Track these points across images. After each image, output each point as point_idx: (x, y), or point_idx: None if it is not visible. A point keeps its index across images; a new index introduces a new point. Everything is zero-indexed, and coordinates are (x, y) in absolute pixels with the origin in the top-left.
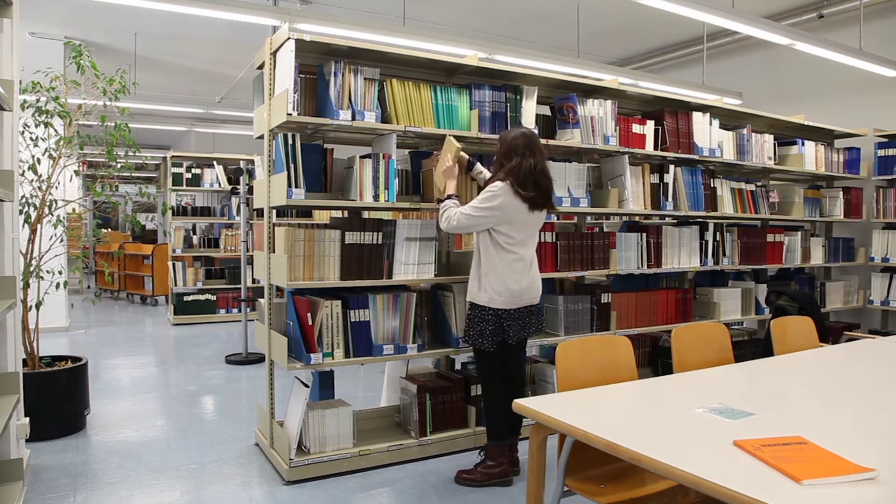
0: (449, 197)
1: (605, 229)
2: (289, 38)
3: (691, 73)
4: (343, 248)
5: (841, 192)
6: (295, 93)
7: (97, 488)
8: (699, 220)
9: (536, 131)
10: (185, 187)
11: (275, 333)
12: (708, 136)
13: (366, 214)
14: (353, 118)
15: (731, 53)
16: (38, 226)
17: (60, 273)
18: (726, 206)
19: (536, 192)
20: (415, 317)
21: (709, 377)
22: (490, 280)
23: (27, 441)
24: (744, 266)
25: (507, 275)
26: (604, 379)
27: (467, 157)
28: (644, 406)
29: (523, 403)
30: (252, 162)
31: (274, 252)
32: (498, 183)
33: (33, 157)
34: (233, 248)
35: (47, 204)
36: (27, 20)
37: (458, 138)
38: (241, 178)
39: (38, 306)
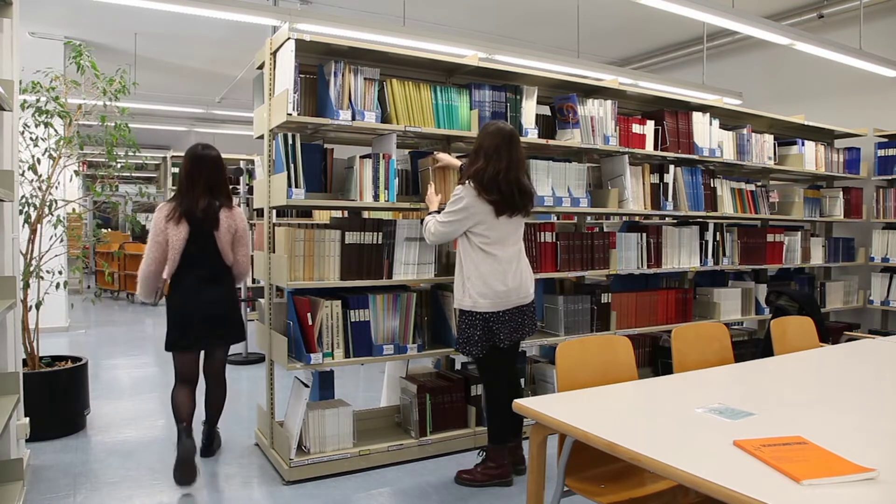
0: (429, 213)
1: (605, 229)
2: (289, 38)
3: (691, 73)
4: (343, 248)
5: (841, 192)
6: (295, 93)
7: (97, 488)
8: (699, 220)
9: (536, 131)
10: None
11: (275, 333)
12: (708, 136)
13: (366, 214)
14: (353, 118)
15: (731, 53)
16: (38, 226)
17: (60, 273)
18: (726, 206)
19: (499, 196)
20: (415, 317)
21: (709, 377)
22: (473, 283)
23: (27, 441)
24: (744, 266)
25: (489, 276)
26: (604, 379)
27: (459, 163)
28: (644, 406)
29: (523, 403)
30: (252, 162)
31: (274, 252)
32: (459, 187)
33: (33, 157)
34: None
35: (47, 204)
36: (27, 20)
37: (458, 138)
38: (241, 178)
39: (38, 306)
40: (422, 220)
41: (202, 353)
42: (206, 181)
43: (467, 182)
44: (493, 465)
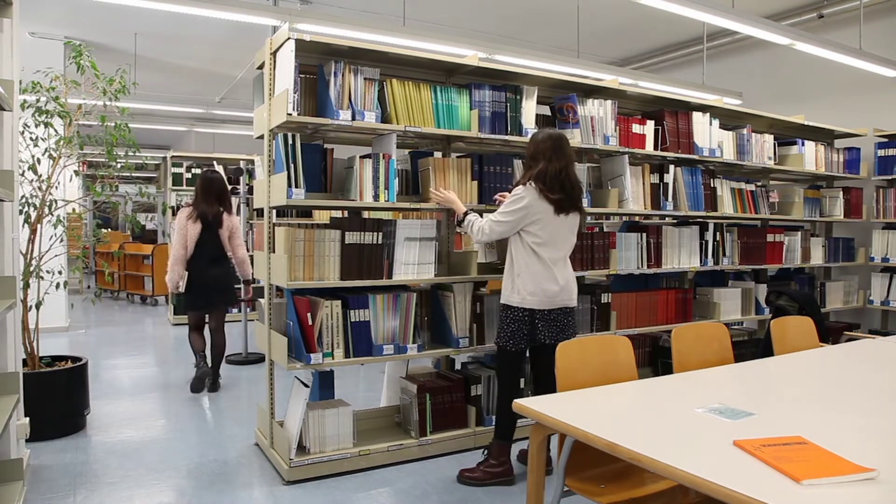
0: (466, 214)
1: (605, 229)
2: (289, 38)
3: (691, 73)
4: (343, 248)
5: (841, 192)
6: (295, 93)
7: (97, 488)
8: (699, 220)
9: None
10: (185, 187)
11: (275, 333)
12: (708, 136)
13: (366, 214)
14: (353, 118)
15: (731, 53)
16: (38, 226)
17: (60, 273)
18: (726, 206)
19: (562, 194)
20: (415, 317)
21: (709, 377)
22: (523, 281)
23: (27, 441)
24: (744, 266)
25: (540, 276)
26: (604, 379)
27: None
28: (644, 406)
29: (523, 403)
30: (252, 162)
31: (274, 252)
32: (520, 187)
33: (33, 157)
34: None
35: (47, 204)
36: (27, 20)
37: (458, 138)
38: (241, 178)
39: (38, 306)
40: (459, 223)
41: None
42: (215, 195)
43: (529, 183)
44: (495, 464)
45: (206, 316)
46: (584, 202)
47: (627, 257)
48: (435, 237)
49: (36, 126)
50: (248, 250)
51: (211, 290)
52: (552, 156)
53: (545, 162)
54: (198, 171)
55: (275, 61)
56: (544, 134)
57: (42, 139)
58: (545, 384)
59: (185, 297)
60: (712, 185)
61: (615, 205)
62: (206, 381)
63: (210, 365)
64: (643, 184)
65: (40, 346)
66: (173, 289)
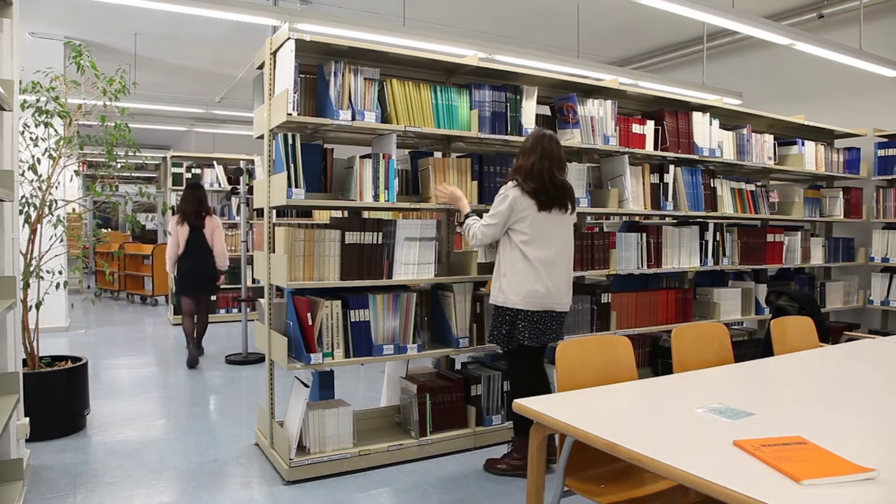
0: (467, 216)
1: (605, 229)
2: (289, 38)
3: (691, 73)
4: (343, 248)
5: (841, 192)
6: (295, 93)
7: (97, 488)
8: (699, 220)
9: None
10: (184, 187)
11: (275, 333)
12: (708, 136)
13: (366, 214)
14: (353, 118)
15: (731, 53)
16: (38, 226)
17: (60, 273)
18: (726, 206)
19: (539, 186)
20: (415, 317)
21: (709, 377)
22: (508, 280)
23: (27, 441)
24: (744, 266)
25: (524, 276)
26: (604, 379)
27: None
28: (644, 406)
29: (523, 403)
30: (252, 162)
31: (274, 252)
32: (504, 186)
33: (33, 157)
34: (233, 248)
35: (47, 204)
36: (27, 20)
37: (458, 138)
38: (241, 178)
39: (38, 306)
40: (461, 223)
41: (194, 303)
42: (197, 201)
43: (512, 180)
44: (518, 457)
45: (195, 303)
46: (585, 202)
47: (627, 257)
48: (435, 237)
49: (36, 126)
50: (248, 250)
51: (196, 279)
52: (529, 151)
53: (523, 158)
54: (198, 171)
55: (275, 61)
56: (532, 131)
57: (42, 139)
58: (542, 385)
59: (177, 284)
60: (712, 185)
61: (615, 205)
62: (197, 358)
63: (194, 346)
64: (643, 184)
65: (40, 346)
66: (171, 273)
